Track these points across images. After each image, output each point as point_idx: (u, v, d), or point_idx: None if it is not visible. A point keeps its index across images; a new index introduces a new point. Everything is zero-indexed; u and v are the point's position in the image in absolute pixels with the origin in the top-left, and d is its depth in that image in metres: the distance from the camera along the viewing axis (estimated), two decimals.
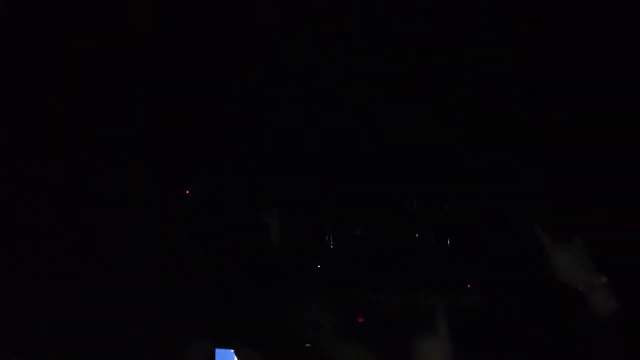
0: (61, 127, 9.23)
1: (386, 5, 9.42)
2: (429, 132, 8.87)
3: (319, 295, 3.55)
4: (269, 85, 9.61)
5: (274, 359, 4.43)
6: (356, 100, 9.42)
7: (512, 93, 8.75)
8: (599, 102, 6.17)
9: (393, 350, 6.89)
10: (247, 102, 9.52)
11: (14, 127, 8.96)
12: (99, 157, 9.37)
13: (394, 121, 9.18)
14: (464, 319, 7.24)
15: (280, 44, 9.67)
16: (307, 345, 6.54)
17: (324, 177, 8.15)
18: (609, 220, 5.48)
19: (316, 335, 3.49)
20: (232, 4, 9.84)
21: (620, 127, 5.69)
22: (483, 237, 8.12)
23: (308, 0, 9.67)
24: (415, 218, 8.17)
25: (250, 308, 6.93)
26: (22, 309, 6.19)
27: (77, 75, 9.40)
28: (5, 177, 8.75)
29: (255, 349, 5.44)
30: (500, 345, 7.04)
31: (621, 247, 5.41)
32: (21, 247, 8.42)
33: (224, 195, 7.21)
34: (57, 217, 9.02)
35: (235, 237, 7.37)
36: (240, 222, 7.49)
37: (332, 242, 8.06)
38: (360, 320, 7.24)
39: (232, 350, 3.22)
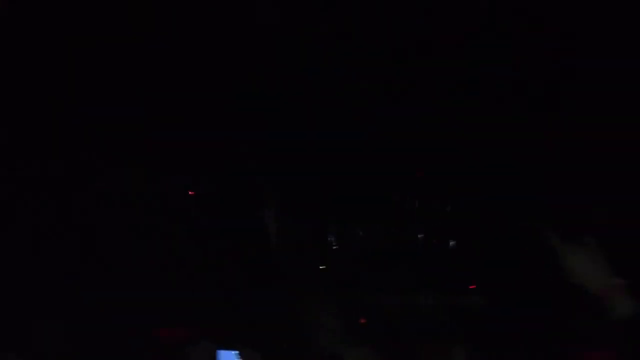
0: (61, 127, 9.23)
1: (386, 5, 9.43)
2: (432, 132, 8.88)
3: (321, 296, 3.53)
4: (269, 85, 9.61)
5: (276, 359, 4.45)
6: (357, 100, 9.42)
7: (514, 93, 8.76)
8: (602, 101, 6.16)
9: (394, 351, 6.91)
10: (247, 102, 9.52)
11: (14, 127, 8.97)
12: (99, 157, 9.37)
13: (395, 121, 9.19)
14: (468, 320, 7.29)
15: (279, 43, 9.67)
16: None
17: (324, 177, 8.15)
18: (624, 222, 5.46)
19: (318, 336, 3.48)
20: (231, 3, 9.85)
21: (631, 126, 5.67)
22: (489, 238, 8.14)
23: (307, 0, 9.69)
24: (418, 218, 8.17)
25: (252, 309, 6.94)
26: (24, 308, 6.19)
27: (77, 75, 9.40)
28: (5, 177, 8.76)
29: (257, 349, 5.47)
30: (505, 346, 7.06)
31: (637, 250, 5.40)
32: (22, 247, 8.43)
33: (225, 195, 7.20)
34: (57, 217, 9.03)
35: (237, 238, 7.37)
36: (241, 223, 7.50)
37: (334, 243, 8.06)
38: (362, 321, 7.25)
39: (235, 352, 3.23)
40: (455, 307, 7.24)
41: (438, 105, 9.12)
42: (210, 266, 8.55)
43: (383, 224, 8.25)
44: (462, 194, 8.10)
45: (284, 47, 9.58)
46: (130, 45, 9.68)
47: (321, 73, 9.68)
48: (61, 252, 8.82)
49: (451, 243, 7.82)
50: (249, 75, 9.57)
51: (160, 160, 7.75)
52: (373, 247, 8.11)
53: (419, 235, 8.20)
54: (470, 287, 7.59)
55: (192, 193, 7.22)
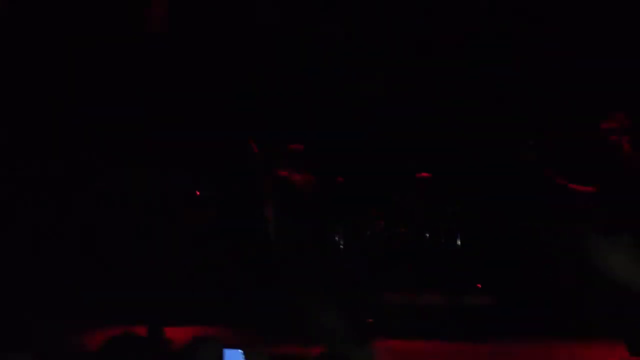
0: (62, 127, 9.23)
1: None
2: (436, 133, 8.89)
3: (329, 296, 3.53)
4: (270, 85, 9.61)
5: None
6: (359, 101, 9.43)
7: (515, 93, 8.77)
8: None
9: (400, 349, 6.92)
10: (249, 102, 9.52)
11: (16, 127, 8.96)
12: (100, 157, 9.37)
13: (400, 121, 9.20)
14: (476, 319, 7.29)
15: (280, 43, 9.66)
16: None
17: (330, 178, 8.14)
18: None
19: (327, 336, 3.48)
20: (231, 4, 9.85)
21: None
22: (496, 237, 8.15)
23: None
24: (423, 218, 8.17)
25: (258, 308, 6.92)
26: (26, 308, 6.17)
27: (77, 76, 9.39)
28: (6, 177, 8.75)
29: (262, 348, 5.45)
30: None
31: None
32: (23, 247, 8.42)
33: (231, 196, 7.18)
34: (59, 217, 9.01)
35: (243, 238, 7.36)
36: (243, 223, 7.49)
37: (341, 243, 8.04)
38: (369, 320, 7.26)
39: (241, 351, 3.22)
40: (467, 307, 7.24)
41: (439, 105, 9.14)
42: (218, 267, 8.56)
43: (392, 225, 8.24)
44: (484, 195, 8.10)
45: (285, 47, 9.59)
46: (131, 46, 9.70)
47: (322, 73, 9.69)
48: (65, 252, 8.82)
49: (462, 243, 7.79)
50: (249, 75, 9.58)
51: (165, 161, 7.71)
52: (382, 248, 8.10)
53: (425, 234, 8.20)
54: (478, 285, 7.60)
55: (198, 193, 7.21)
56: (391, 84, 9.39)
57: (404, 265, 7.99)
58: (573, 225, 7.58)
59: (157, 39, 9.81)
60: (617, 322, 5.52)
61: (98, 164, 9.33)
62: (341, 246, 8.20)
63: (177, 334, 6.85)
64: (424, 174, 8.24)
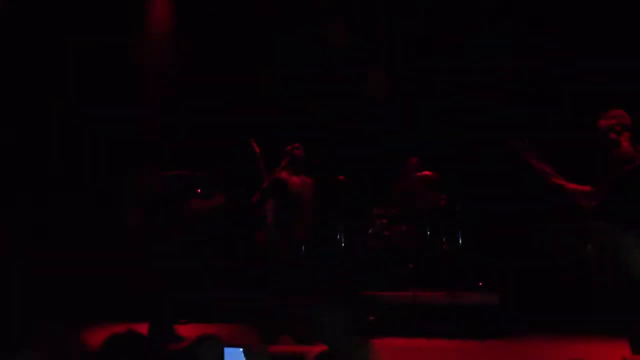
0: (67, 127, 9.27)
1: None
2: (437, 131, 8.89)
3: (331, 294, 3.53)
4: (272, 84, 9.62)
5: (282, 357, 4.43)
6: (363, 99, 9.44)
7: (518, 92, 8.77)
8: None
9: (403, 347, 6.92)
10: (250, 102, 9.53)
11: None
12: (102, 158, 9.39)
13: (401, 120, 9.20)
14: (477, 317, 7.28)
15: (282, 41, 9.66)
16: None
17: (330, 177, 8.15)
18: None
19: (327, 334, 3.48)
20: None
21: None
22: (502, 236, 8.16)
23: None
24: (429, 217, 8.18)
25: (261, 307, 6.92)
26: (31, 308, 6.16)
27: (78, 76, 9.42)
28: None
29: (263, 346, 5.43)
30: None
31: None
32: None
33: (235, 196, 7.18)
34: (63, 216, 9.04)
35: (245, 237, 7.35)
36: (249, 223, 7.48)
37: (343, 241, 8.05)
38: (371, 318, 7.24)
39: (241, 349, 3.21)
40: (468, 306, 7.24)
41: (440, 103, 9.15)
42: (221, 266, 8.57)
43: (393, 224, 8.23)
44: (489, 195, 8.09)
45: (284, 44, 9.60)
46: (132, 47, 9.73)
47: (324, 72, 9.70)
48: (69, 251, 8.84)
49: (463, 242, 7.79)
50: (250, 76, 9.60)
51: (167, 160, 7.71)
52: (383, 246, 8.10)
53: (428, 233, 8.20)
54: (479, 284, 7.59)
55: (199, 191, 7.20)
56: (391, 83, 9.41)
57: (405, 264, 7.99)
58: (574, 223, 7.59)
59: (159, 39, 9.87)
60: (620, 320, 5.50)
61: (98, 164, 9.40)
62: (343, 244, 8.23)
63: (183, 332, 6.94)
64: (426, 172, 8.25)
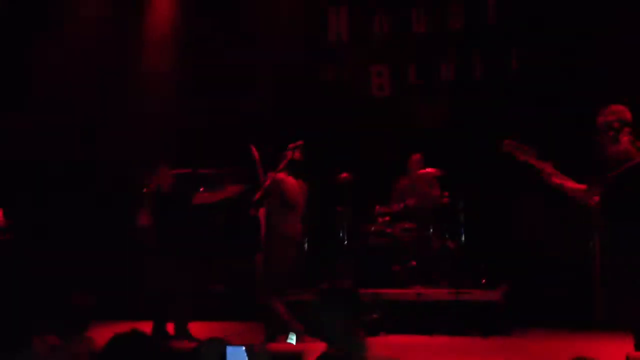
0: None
1: None
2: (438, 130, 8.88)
3: (332, 292, 3.52)
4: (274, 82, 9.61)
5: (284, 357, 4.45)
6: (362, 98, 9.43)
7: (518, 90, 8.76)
8: None
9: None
10: (251, 101, 9.53)
11: None
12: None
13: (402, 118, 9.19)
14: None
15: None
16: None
17: (332, 175, 8.15)
18: None
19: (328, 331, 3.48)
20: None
21: None
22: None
23: None
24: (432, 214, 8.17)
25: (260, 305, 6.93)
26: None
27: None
28: None
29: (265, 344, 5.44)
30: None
31: None
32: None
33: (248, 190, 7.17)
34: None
35: (246, 234, 7.34)
36: (246, 221, 7.47)
37: (346, 238, 8.05)
38: (374, 316, 7.24)
39: (243, 348, 3.21)
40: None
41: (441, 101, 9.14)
42: (222, 262, 8.57)
43: (396, 221, 8.23)
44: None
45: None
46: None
47: (325, 72, 9.70)
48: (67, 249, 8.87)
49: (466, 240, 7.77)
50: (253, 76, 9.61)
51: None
52: (385, 244, 8.09)
53: (430, 230, 8.19)
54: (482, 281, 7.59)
55: (202, 189, 7.21)
56: (390, 81, 9.40)
57: (408, 261, 7.99)
58: (576, 219, 7.58)
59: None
60: (624, 317, 5.49)
61: (99, 165, 9.43)
62: (345, 242, 8.23)
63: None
64: (429, 170, 8.24)
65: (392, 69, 9.48)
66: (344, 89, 9.55)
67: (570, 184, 5.39)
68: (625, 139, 5.25)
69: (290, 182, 6.92)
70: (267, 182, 6.83)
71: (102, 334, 3.45)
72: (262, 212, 7.04)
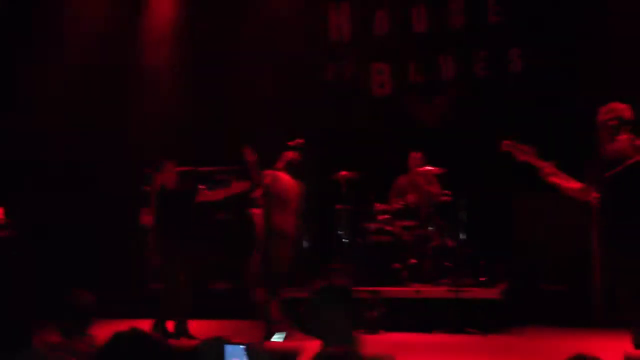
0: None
1: None
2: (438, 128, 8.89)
3: (328, 289, 3.53)
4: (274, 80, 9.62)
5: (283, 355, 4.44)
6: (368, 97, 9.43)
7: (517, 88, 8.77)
8: None
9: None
10: (252, 100, 9.54)
11: None
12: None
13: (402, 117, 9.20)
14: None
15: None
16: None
17: (332, 173, 8.16)
18: None
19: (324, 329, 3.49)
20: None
21: None
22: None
23: None
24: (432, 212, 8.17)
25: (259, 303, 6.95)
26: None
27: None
28: None
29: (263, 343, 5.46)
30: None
31: None
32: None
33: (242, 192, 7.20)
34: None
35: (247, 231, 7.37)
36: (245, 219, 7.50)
37: (345, 237, 8.06)
38: (374, 314, 7.27)
39: (242, 346, 3.22)
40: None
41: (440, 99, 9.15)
42: (223, 260, 8.58)
43: (395, 220, 8.23)
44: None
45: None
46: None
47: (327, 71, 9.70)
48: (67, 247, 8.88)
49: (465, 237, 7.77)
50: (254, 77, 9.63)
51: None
52: (385, 242, 8.09)
53: (430, 228, 8.19)
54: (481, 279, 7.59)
55: (203, 187, 7.22)
56: (391, 79, 9.40)
57: (407, 259, 7.99)
58: (575, 218, 7.60)
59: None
60: (622, 315, 5.50)
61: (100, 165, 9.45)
62: (345, 239, 8.24)
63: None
64: (429, 167, 8.25)
65: (393, 67, 9.50)
66: (345, 87, 9.57)
67: (568, 184, 5.38)
68: (623, 137, 5.24)
69: (285, 179, 6.99)
70: (268, 180, 6.86)
71: (102, 332, 3.47)
72: (258, 210, 7.10)
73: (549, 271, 7.79)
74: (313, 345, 3.56)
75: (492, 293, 7.46)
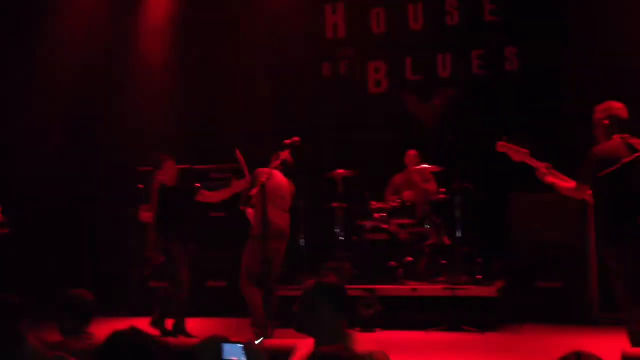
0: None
1: None
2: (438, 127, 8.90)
3: (320, 287, 3.52)
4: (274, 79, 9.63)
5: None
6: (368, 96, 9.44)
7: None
8: None
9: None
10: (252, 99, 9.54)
11: None
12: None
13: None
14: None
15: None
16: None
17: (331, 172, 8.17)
18: None
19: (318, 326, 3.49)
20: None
21: None
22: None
23: None
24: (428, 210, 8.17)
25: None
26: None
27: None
28: None
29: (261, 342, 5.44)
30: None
31: None
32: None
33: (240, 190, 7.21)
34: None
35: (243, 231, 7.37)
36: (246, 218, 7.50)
37: (341, 235, 8.07)
38: (370, 312, 7.28)
39: (240, 345, 3.22)
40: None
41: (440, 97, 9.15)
42: (224, 258, 8.58)
43: (393, 218, 8.24)
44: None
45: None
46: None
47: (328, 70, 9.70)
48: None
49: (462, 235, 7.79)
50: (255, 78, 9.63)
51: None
52: (382, 240, 8.10)
53: (426, 226, 8.19)
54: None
55: (198, 185, 7.22)
56: (387, 77, 9.40)
57: (403, 257, 8.00)
58: (572, 216, 7.62)
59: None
60: (619, 313, 5.51)
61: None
62: (341, 237, 8.25)
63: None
64: (424, 165, 8.25)
65: (389, 65, 9.50)
66: (341, 85, 9.57)
67: (564, 183, 5.38)
68: (617, 135, 5.24)
69: (277, 176, 7.01)
70: (264, 178, 6.86)
71: (101, 331, 3.47)
72: (250, 208, 7.14)
73: (546, 269, 7.79)
74: (307, 344, 3.56)
75: (488, 291, 7.47)
